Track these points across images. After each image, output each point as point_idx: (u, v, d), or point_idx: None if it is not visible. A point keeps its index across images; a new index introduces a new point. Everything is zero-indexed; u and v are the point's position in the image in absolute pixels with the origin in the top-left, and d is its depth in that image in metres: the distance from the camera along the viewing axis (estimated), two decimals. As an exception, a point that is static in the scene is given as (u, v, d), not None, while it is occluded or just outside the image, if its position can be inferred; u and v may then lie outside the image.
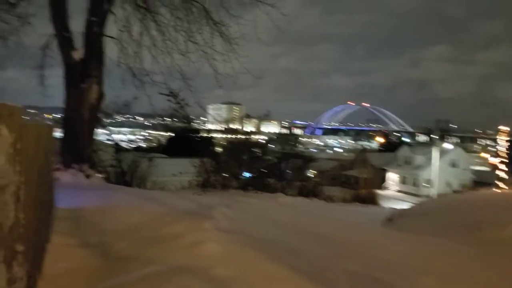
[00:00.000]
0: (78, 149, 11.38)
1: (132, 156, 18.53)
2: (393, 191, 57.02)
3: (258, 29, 14.65)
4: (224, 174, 17.04)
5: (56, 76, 13.07)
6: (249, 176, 20.08)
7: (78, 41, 12.22)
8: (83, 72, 11.32)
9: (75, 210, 8.06)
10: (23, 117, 2.76)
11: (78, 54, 11.35)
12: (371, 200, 28.11)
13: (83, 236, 6.28)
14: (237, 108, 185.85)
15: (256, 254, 5.01)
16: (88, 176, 11.30)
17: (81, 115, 11.37)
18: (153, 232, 6.41)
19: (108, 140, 19.54)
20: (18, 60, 13.96)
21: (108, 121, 19.95)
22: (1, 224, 2.32)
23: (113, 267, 4.79)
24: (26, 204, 3.03)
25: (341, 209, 15.60)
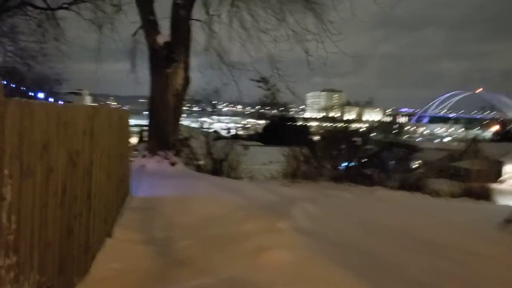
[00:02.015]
0: (164, 136, 11.15)
1: (224, 144, 18.22)
2: (510, 186, 51.13)
3: (357, 13, 13.36)
4: (316, 164, 15.97)
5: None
6: (345, 166, 18.76)
7: (167, 26, 11.98)
8: (168, 56, 11.02)
9: (152, 199, 7.71)
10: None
11: (162, 38, 11.06)
12: (484, 195, 25.00)
13: (150, 230, 5.79)
14: (337, 95, 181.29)
15: (335, 268, 4.02)
16: (173, 164, 11.03)
17: (166, 101, 11.10)
18: (222, 229, 5.71)
19: (208, 128, 19.45)
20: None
21: (209, 109, 19.79)
22: None
23: (165, 272, 4.14)
24: (24, 203, 2.39)
25: (448, 205, 13.69)
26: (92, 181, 4.09)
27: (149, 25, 11.14)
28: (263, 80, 17.30)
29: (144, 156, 10.97)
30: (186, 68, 11.73)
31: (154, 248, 4.99)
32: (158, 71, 11.04)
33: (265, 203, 7.65)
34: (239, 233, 5.33)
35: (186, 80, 11.71)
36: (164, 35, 11.24)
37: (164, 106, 11.09)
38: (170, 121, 11.26)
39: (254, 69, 13.91)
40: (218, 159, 17.11)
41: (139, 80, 14.15)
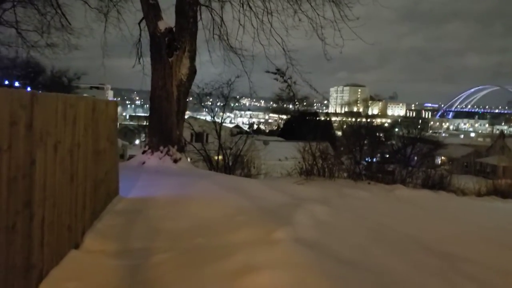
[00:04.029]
0: (166, 130, 10.35)
1: (240, 139, 17.40)
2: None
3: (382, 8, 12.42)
4: (332, 161, 15.00)
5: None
6: (366, 162, 17.74)
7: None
8: (170, 44, 10.20)
9: (142, 200, 6.93)
10: None
11: (164, 24, 10.23)
12: (513, 193, 23.47)
13: (127, 239, 5.02)
14: (360, 90, 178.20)
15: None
16: (175, 161, 10.24)
17: (169, 92, 10.26)
18: (209, 238, 4.91)
19: (228, 122, 18.62)
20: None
21: (226, 103, 18.98)
22: None
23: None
24: None
25: (475, 206, 12.55)
26: (35, 185, 3.31)
27: (150, 10, 10.31)
28: (279, 72, 16.40)
29: (144, 152, 10.23)
30: (192, 57, 10.91)
31: (124, 263, 4.22)
32: (160, 60, 10.21)
33: (270, 205, 6.79)
34: (227, 245, 4.51)
35: (192, 70, 10.88)
36: (167, 22, 10.43)
37: (167, 98, 10.26)
38: (173, 114, 10.44)
39: (267, 59, 13.02)
40: (233, 155, 16.33)
41: (147, 72, 13.49)
